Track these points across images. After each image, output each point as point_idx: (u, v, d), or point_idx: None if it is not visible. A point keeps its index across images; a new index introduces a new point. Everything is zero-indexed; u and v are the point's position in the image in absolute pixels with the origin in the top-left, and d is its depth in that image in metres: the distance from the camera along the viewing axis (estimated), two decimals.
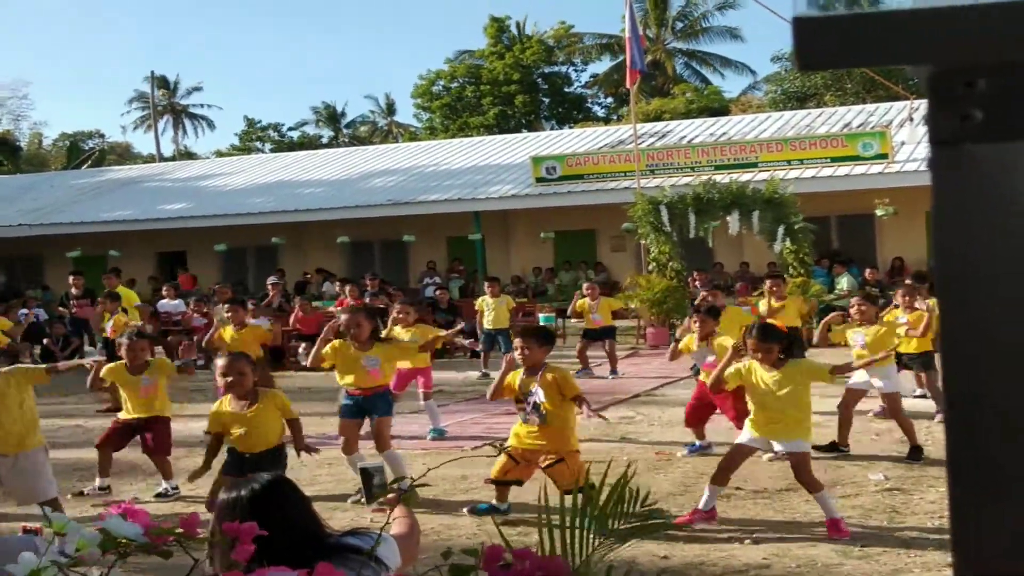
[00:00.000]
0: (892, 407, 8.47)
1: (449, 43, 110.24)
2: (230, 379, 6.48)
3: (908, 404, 10.35)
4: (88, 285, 18.61)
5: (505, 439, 9.22)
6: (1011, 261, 0.80)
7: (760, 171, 20.57)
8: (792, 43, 0.85)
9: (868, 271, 19.03)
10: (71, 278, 18.79)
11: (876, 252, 21.94)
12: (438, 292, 19.41)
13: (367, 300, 16.44)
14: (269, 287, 19.22)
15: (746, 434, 6.62)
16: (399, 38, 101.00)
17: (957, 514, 0.83)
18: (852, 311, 8.88)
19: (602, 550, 2.89)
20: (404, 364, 10.08)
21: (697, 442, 8.69)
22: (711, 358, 8.35)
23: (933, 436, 8.86)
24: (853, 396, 8.60)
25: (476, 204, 23.25)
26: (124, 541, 2.75)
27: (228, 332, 10.78)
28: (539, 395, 6.62)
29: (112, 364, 8.30)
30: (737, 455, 6.56)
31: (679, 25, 45.48)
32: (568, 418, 6.77)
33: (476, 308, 14.96)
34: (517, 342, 6.88)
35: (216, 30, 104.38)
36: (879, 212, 19.06)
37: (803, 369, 6.63)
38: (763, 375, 6.50)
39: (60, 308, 21.29)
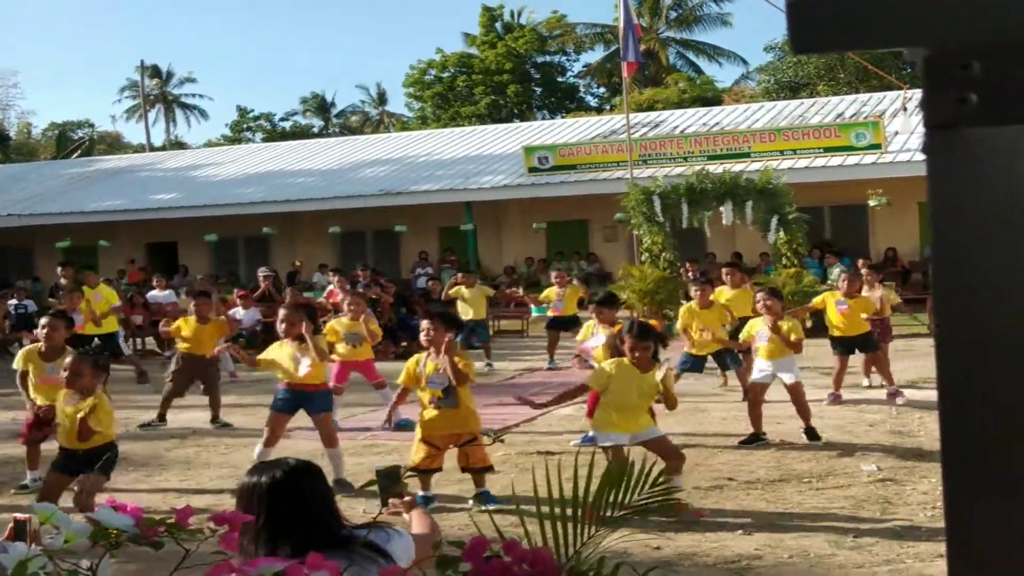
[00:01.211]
0: (795, 394, 8.56)
1: (441, 32, 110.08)
2: (66, 374, 6.53)
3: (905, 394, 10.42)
4: (77, 276, 18.52)
5: (497, 429, 9.26)
6: (1007, 244, 0.79)
7: (753, 161, 20.57)
8: (787, 27, 0.84)
9: (861, 261, 19.05)
10: (59, 269, 18.72)
11: (869, 242, 21.98)
12: (430, 282, 19.40)
13: (360, 290, 16.43)
14: (261, 278, 19.18)
15: (610, 434, 6.65)
16: (391, 27, 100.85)
17: (951, 501, 0.82)
18: (759, 305, 8.96)
19: (596, 540, 2.88)
20: (345, 356, 10.20)
21: (591, 433, 8.73)
22: (593, 341, 8.56)
23: (926, 427, 8.89)
24: (759, 390, 8.67)
25: (468, 194, 23.22)
26: (115, 532, 2.74)
27: (190, 323, 10.73)
28: (442, 381, 6.73)
29: (31, 346, 8.21)
30: (621, 456, 6.54)
31: (672, 14, 45.43)
32: (471, 398, 6.96)
33: (451, 295, 14.67)
34: (424, 324, 7.00)
35: (210, 20, 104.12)
36: (872, 202, 19.09)
37: (670, 380, 6.77)
38: (635, 373, 6.57)
39: (50, 299, 21.23)
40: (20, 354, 8.23)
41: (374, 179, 25.40)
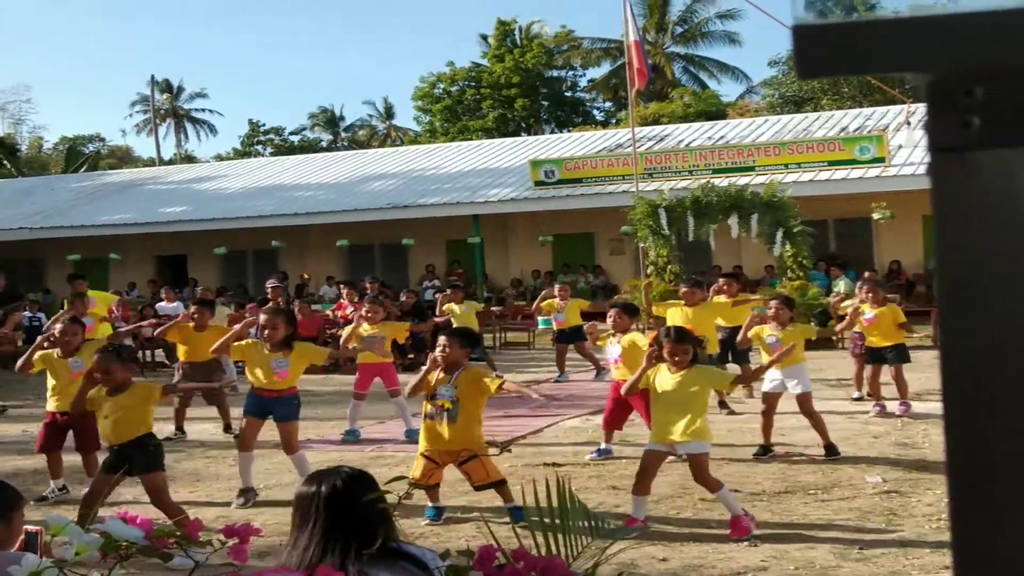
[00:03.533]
0: (804, 406, 8.54)
1: (449, 48, 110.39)
2: (98, 375, 6.58)
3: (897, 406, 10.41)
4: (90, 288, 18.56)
5: (502, 441, 9.26)
6: (1012, 267, 0.81)
7: (757, 175, 20.59)
8: (792, 51, 0.86)
9: (867, 274, 19.01)
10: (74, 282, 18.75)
11: (873, 255, 21.97)
12: (437, 295, 19.41)
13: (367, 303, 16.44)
14: (269, 290, 19.17)
15: (654, 443, 6.60)
16: (399, 43, 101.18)
17: (957, 519, 0.84)
18: (769, 312, 9.05)
19: (591, 550, 2.90)
20: (367, 359, 10.30)
21: (603, 445, 8.78)
22: (617, 352, 8.52)
23: (930, 439, 8.88)
24: (772, 399, 8.66)
25: (475, 207, 23.26)
26: (125, 544, 2.76)
27: (187, 330, 10.76)
28: (450, 393, 6.68)
29: (46, 351, 8.29)
30: (649, 461, 6.55)
31: (678, 30, 45.53)
32: (477, 417, 6.86)
33: (444, 313, 14.93)
34: (441, 339, 6.96)
35: (221, 35, 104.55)
36: (876, 216, 19.09)
37: (707, 375, 6.67)
38: (666, 378, 6.52)
39: (61, 310, 21.27)
40: (38, 355, 8.22)
41: (382, 193, 25.46)
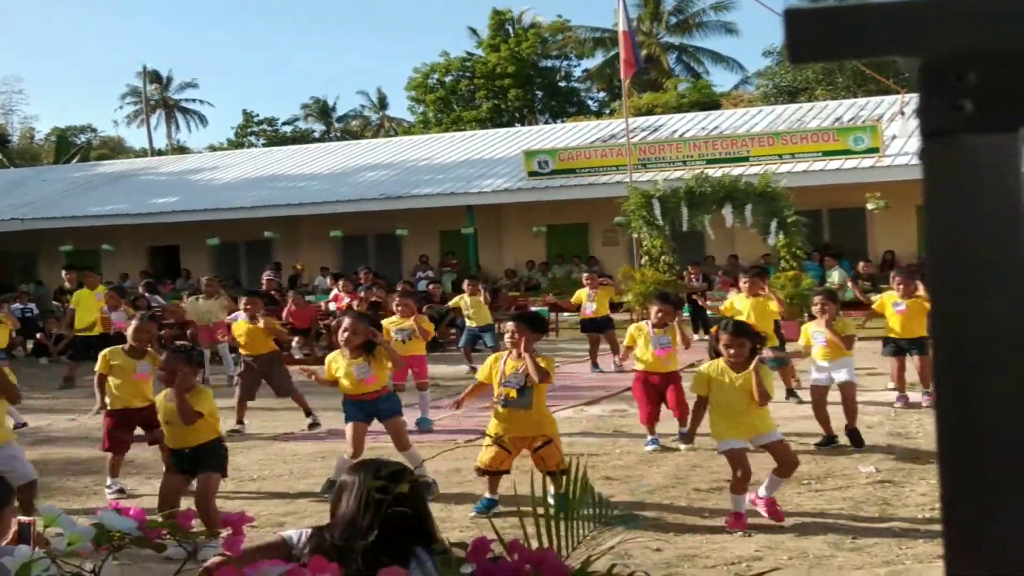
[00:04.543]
0: (846, 394, 8.51)
1: (443, 38, 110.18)
2: (162, 374, 6.56)
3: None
4: (81, 279, 18.54)
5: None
6: (1003, 251, 0.80)
7: (752, 165, 20.58)
8: (783, 35, 0.85)
9: (862, 264, 19.07)
10: (64, 272, 18.73)
11: (868, 245, 22.00)
12: (431, 286, 19.43)
13: (361, 294, 16.46)
14: (264, 281, 19.17)
15: (728, 441, 6.40)
16: (393, 33, 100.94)
17: (948, 508, 0.84)
18: (815, 308, 8.99)
19: (590, 541, 2.90)
20: (402, 352, 10.29)
21: (652, 436, 8.72)
22: (662, 344, 8.56)
23: (924, 429, 8.90)
24: (820, 393, 8.64)
25: (469, 198, 23.23)
26: (118, 535, 2.75)
27: (242, 325, 10.87)
28: (518, 381, 6.68)
29: (114, 347, 8.16)
30: (740, 457, 6.42)
31: (672, 20, 45.47)
32: (545, 403, 6.94)
33: (452, 305, 15.12)
34: (509, 326, 6.96)
35: (214, 26, 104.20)
36: (870, 206, 19.10)
37: (766, 373, 6.51)
38: (731, 375, 6.40)
39: (54, 302, 21.27)
40: (102, 355, 8.03)
41: (375, 183, 25.42)
